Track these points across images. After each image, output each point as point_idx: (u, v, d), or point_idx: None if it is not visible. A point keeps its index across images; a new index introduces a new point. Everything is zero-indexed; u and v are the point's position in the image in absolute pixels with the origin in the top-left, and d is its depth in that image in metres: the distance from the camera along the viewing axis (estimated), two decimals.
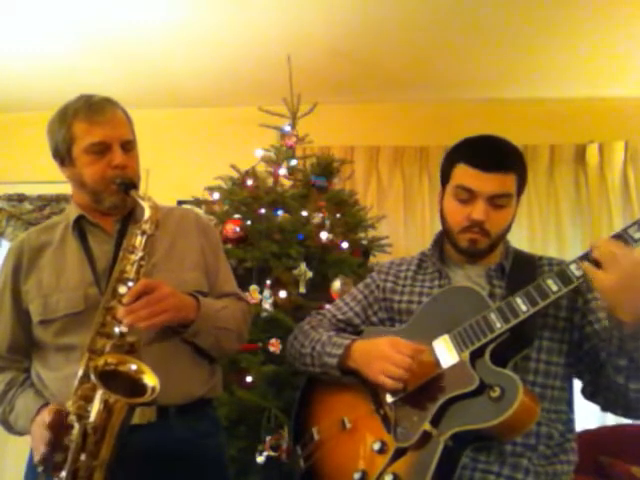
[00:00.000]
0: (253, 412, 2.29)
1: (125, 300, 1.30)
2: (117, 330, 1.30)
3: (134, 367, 1.26)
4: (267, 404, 2.27)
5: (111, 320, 1.31)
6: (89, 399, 1.23)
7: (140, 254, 1.37)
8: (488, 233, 1.40)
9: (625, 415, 1.38)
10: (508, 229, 1.46)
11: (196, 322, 1.41)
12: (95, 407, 1.20)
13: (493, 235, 1.42)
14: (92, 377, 1.20)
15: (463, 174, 1.40)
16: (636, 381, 1.26)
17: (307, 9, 2.87)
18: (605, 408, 1.39)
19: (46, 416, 1.25)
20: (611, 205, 3.67)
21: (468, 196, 1.39)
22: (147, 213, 1.41)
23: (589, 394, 1.41)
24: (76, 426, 1.20)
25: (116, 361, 1.26)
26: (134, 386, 1.24)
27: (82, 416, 1.22)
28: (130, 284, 1.34)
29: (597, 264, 1.21)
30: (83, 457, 1.18)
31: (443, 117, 3.78)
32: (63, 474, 1.18)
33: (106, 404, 1.19)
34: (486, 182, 1.37)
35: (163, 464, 1.36)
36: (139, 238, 1.39)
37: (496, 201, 1.38)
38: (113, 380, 1.22)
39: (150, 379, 1.23)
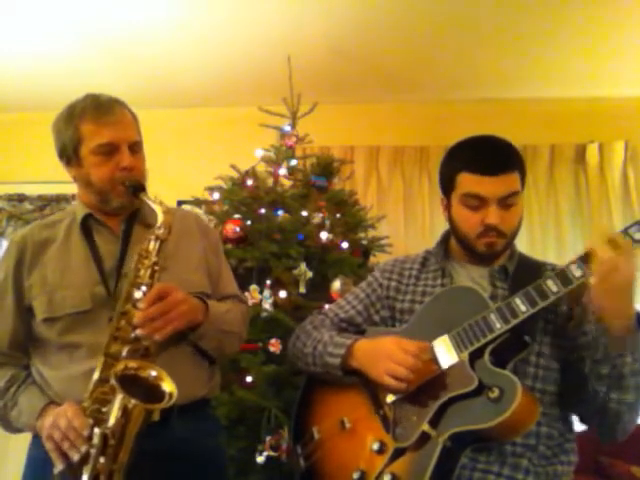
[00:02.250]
0: (253, 412, 2.29)
1: (141, 306, 1.31)
2: (132, 334, 1.31)
3: (154, 373, 1.27)
4: (267, 404, 2.27)
5: (126, 324, 1.32)
6: (104, 403, 1.24)
7: (154, 259, 1.38)
8: (504, 234, 1.41)
9: (598, 432, 1.38)
10: (520, 225, 1.46)
11: (203, 325, 1.42)
12: (114, 411, 1.21)
13: (509, 234, 1.42)
14: (113, 381, 1.21)
15: (469, 182, 1.40)
16: (617, 391, 1.27)
17: (307, 9, 2.87)
18: (583, 420, 1.40)
19: (68, 410, 1.25)
20: (611, 205, 3.68)
21: (479, 202, 1.39)
22: (160, 218, 1.41)
23: (568, 405, 1.39)
24: (96, 430, 1.20)
25: (136, 366, 1.27)
26: (150, 390, 1.24)
27: (98, 419, 1.22)
28: (144, 288, 1.35)
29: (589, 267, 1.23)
30: (103, 460, 1.19)
31: (443, 117, 3.78)
32: (84, 478, 1.18)
33: (125, 409, 1.20)
34: (494, 186, 1.37)
35: (164, 463, 1.35)
36: (153, 243, 1.39)
37: (506, 201, 1.39)
38: (130, 385, 1.23)
39: (168, 385, 1.24)
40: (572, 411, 1.41)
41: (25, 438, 1.44)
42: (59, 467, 1.23)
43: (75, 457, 1.20)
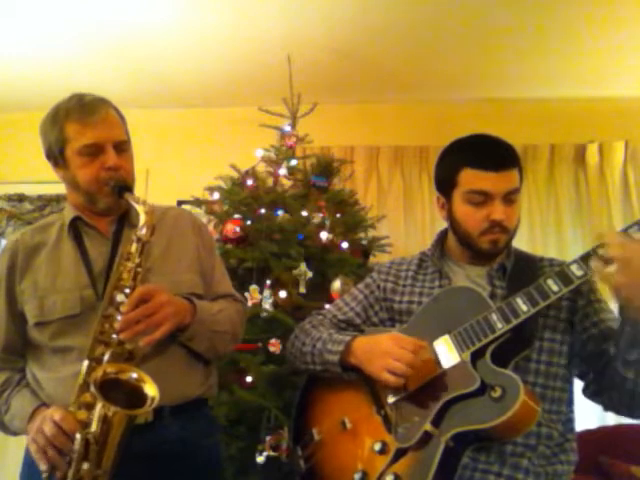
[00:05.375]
0: (253, 412, 2.29)
1: (124, 309, 1.30)
2: (115, 337, 1.30)
3: (135, 376, 1.26)
4: (267, 404, 2.27)
5: (109, 328, 1.31)
6: (89, 407, 1.24)
7: (136, 261, 1.36)
8: (507, 230, 1.42)
9: (629, 414, 1.37)
10: (519, 222, 1.47)
11: (192, 326, 1.41)
12: (96, 417, 1.20)
13: (511, 231, 1.43)
14: (92, 388, 1.20)
15: (473, 178, 1.40)
16: None
17: (307, 9, 2.87)
18: (608, 407, 1.39)
19: (55, 414, 1.24)
20: (611, 205, 3.67)
21: (483, 199, 1.40)
22: (142, 219, 1.39)
23: (591, 393, 1.41)
24: (78, 436, 1.20)
25: (116, 370, 1.26)
26: (134, 393, 1.23)
27: (83, 425, 1.22)
28: (127, 291, 1.33)
29: (605, 260, 1.21)
30: (86, 466, 1.18)
31: (443, 117, 3.77)
32: None
33: (106, 416, 1.19)
34: (499, 182, 1.38)
35: (159, 464, 1.36)
36: (135, 245, 1.38)
37: (509, 197, 1.40)
38: (113, 388, 1.22)
39: (150, 389, 1.23)
40: (596, 400, 1.40)
41: (24, 437, 1.43)
42: (44, 472, 1.22)
43: (60, 463, 1.20)
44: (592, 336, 1.38)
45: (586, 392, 1.42)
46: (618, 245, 1.19)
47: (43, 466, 1.22)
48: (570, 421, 1.42)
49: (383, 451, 1.33)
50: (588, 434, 2.96)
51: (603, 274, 1.21)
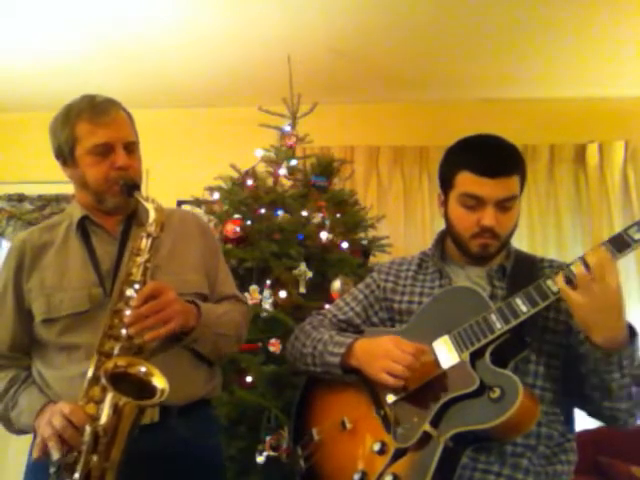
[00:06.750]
0: (253, 412, 2.29)
1: (133, 304, 1.31)
2: (124, 332, 1.31)
3: (144, 369, 1.27)
4: (267, 404, 2.27)
5: (118, 322, 1.32)
6: (99, 401, 1.24)
7: (146, 256, 1.38)
8: (498, 236, 1.41)
9: (606, 425, 1.37)
10: (515, 228, 1.46)
11: (196, 329, 1.42)
12: (106, 409, 1.21)
13: (503, 237, 1.42)
14: (103, 380, 1.21)
15: (468, 182, 1.39)
16: (609, 401, 1.27)
17: (307, 9, 2.87)
18: (590, 415, 1.40)
19: (65, 407, 1.25)
20: (611, 205, 3.68)
21: (475, 203, 1.39)
22: (152, 216, 1.41)
23: (576, 400, 1.40)
24: (87, 428, 1.20)
25: (126, 363, 1.27)
26: (143, 387, 1.24)
27: (93, 417, 1.22)
28: (136, 286, 1.35)
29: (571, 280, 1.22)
30: (95, 459, 1.18)
31: (443, 117, 3.78)
32: (76, 476, 1.18)
33: (116, 406, 1.20)
34: (493, 188, 1.37)
35: (163, 464, 1.36)
36: (144, 241, 1.40)
37: (504, 204, 1.39)
38: (123, 382, 1.23)
39: (159, 381, 1.24)
40: (578, 407, 1.41)
41: (25, 439, 1.44)
42: (53, 464, 1.22)
43: (58, 454, 1.19)
44: (583, 340, 1.37)
45: (569, 399, 1.41)
46: (585, 269, 1.19)
47: (56, 454, 1.21)
48: (570, 421, 1.42)
49: (382, 451, 1.33)
50: (588, 434, 2.96)
51: (566, 295, 1.22)
